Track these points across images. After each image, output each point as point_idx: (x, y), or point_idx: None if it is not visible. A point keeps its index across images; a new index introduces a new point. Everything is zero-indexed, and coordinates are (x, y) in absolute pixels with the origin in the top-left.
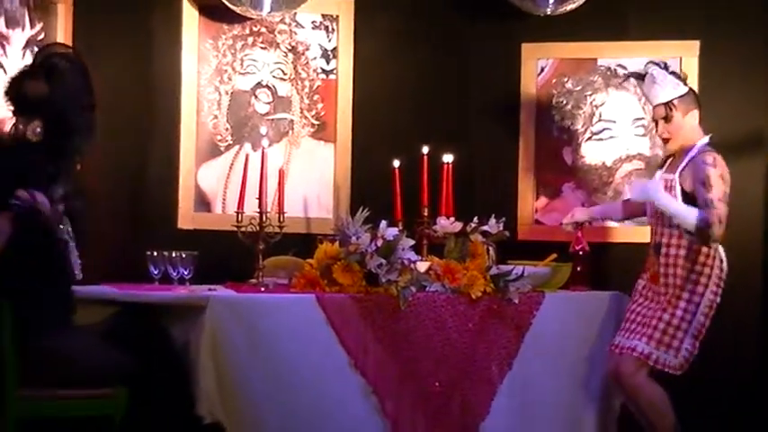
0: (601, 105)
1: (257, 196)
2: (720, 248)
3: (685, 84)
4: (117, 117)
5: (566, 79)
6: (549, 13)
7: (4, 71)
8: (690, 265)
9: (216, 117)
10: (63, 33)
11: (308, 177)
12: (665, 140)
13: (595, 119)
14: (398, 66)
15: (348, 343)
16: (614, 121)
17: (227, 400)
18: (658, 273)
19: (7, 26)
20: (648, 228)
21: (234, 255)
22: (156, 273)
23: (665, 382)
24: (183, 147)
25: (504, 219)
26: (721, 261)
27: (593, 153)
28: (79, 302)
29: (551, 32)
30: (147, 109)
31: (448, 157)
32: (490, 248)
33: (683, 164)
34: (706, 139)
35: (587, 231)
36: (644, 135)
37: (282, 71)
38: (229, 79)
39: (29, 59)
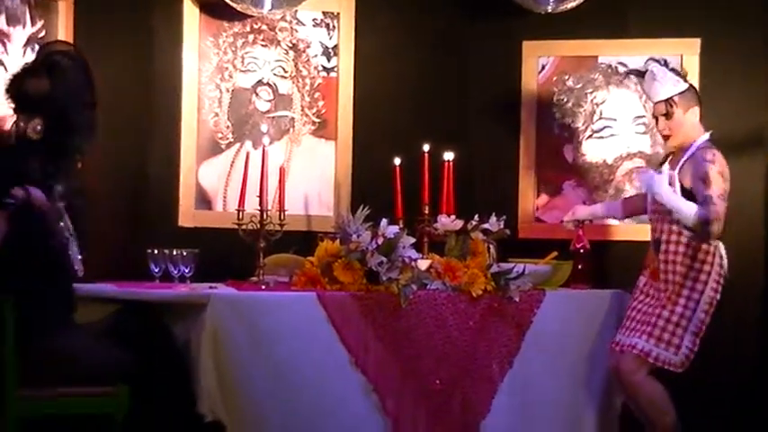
0: (601, 103)
1: (258, 194)
2: (720, 245)
3: (685, 80)
4: (118, 115)
5: (566, 77)
6: (549, 10)
7: (5, 69)
8: (689, 262)
9: (217, 115)
10: (64, 31)
11: (309, 175)
12: (666, 137)
13: (596, 117)
14: (399, 63)
15: (349, 341)
16: (615, 119)
17: (227, 399)
18: (658, 269)
19: (8, 24)
20: (649, 225)
21: (235, 253)
22: (156, 271)
23: (666, 380)
24: (184, 144)
25: (504, 217)
26: (721, 258)
27: (593, 151)
28: (80, 300)
29: (552, 30)
30: (148, 107)
31: (449, 155)
32: (491, 246)
33: (683, 160)
34: (706, 135)
35: (588, 229)
36: (645, 133)
37: (283, 69)
38: (230, 77)
39: (30, 57)
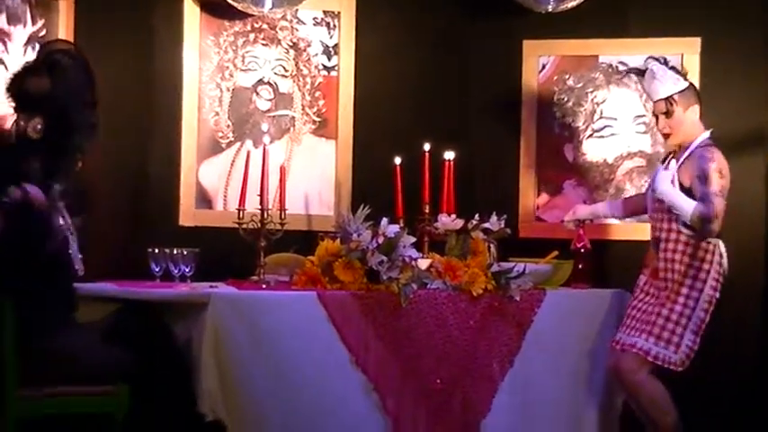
0: (602, 102)
1: (258, 193)
2: (720, 244)
3: (685, 79)
4: (118, 114)
5: (567, 76)
6: (550, 10)
7: (6, 68)
8: (689, 261)
9: (217, 114)
10: (64, 30)
11: (310, 174)
12: (666, 136)
13: (596, 116)
14: (400, 62)
15: (349, 340)
16: (615, 119)
17: (228, 398)
18: (658, 268)
19: (9, 23)
20: (649, 224)
21: (235, 252)
22: (157, 270)
23: (667, 379)
24: (185, 144)
25: (505, 216)
26: (721, 256)
27: (594, 150)
28: (81, 300)
29: (553, 29)
30: (149, 106)
31: (449, 155)
32: (491, 246)
33: (683, 158)
34: (707, 133)
35: (588, 229)
36: (645, 132)
37: (284, 68)
38: (231, 76)
39: (30, 56)
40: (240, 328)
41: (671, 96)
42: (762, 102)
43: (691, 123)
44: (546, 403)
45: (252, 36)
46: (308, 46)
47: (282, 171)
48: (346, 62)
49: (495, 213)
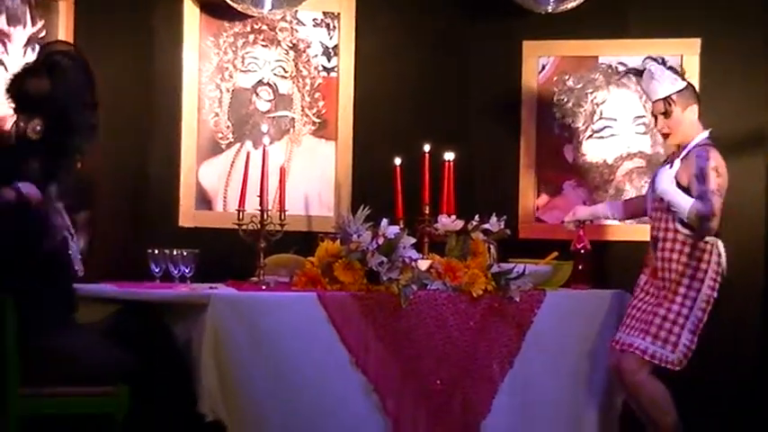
0: (602, 103)
1: (258, 194)
2: (719, 243)
3: (683, 79)
4: (118, 115)
5: (567, 77)
6: (550, 10)
7: (6, 69)
8: (686, 260)
9: (217, 115)
10: (64, 31)
11: (310, 175)
12: (665, 136)
13: (596, 117)
14: (400, 63)
15: (349, 341)
16: (615, 119)
17: (228, 398)
18: (656, 267)
19: (8, 24)
20: (649, 225)
21: (235, 253)
22: (157, 271)
23: (667, 379)
24: (184, 145)
25: (505, 217)
26: (719, 256)
27: (594, 151)
28: (81, 301)
29: (552, 30)
30: (148, 107)
31: (449, 155)
32: (491, 246)
33: (680, 158)
34: (705, 133)
35: (588, 229)
36: (645, 133)
37: (284, 69)
38: (230, 77)
39: (30, 57)
40: (240, 328)
41: (669, 96)
42: (762, 102)
43: (689, 123)
44: (546, 404)
45: (252, 37)
46: (308, 47)
47: (282, 172)
48: (346, 63)
49: (494, 214)
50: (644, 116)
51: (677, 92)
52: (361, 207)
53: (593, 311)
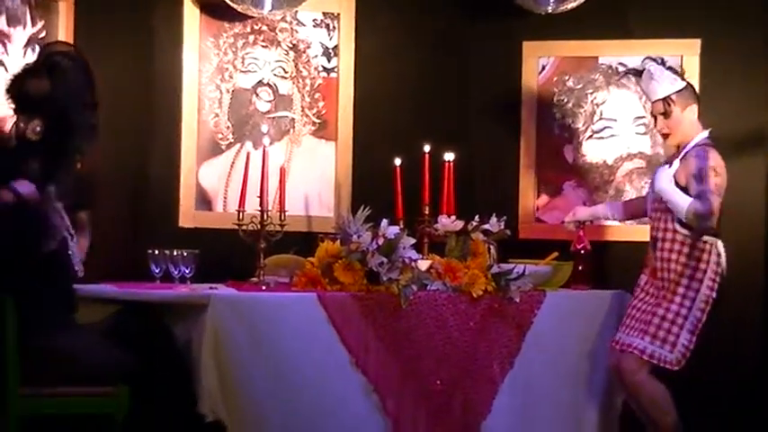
0: (602, 104)
1: (258, 194)
2: (719, 243)
3: (683, 79)
4: (118, 115)
5: (567, 77)
6: (550, 11)
7: (6, 69)
8: (685, 260)
9: (217, 115)
10: (64, 31)
11: (310, 176)
12: (665, 136)
13: (596, 117)
14: (399, 64)
15: (349, 341)
16: (615, 120)
17: (228, 399)
18: (656, 267)
19: (8, 24)
20: (649, 225)
21: (235, 253)
22: (157, 271)
23: (667, 379)
24: (184, 145)
25: (505, 217)
26: (718, 256)
27: (594, 151)
28: (81, 301)
29: (552, 31)
30: (148, 107)
31: (449, 156)
32: (491, 247)
33: (679, 158)
34: (705, 133)
35: (588, 230)
36: (645, 133)
37: (283, 69)
38: (230, 77)
39: (30, 58)
40: (240, 329)
41: (668, 96)
42: (762, 102)
43: (689, 123)
44: (546, 404)
45: (251, 38)
46: (308, 47)
47: (282, 172)
48: (346, 64)
49: (494, 215)
50: (644, 117)
51: (676, 92)
52: (362, 207)
53: (593, 312)
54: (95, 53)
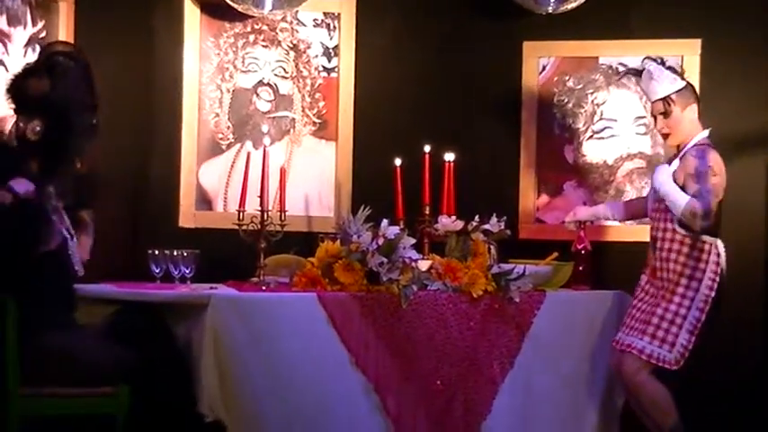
0: (602, 104)
1: (259, 194)
2: (719, 243)
3: (683, 78)
4: (118, 115)
5: (567, 78)
6: (550, 11)
7: (6, 69)
8: (684, 260)
9: (217, 115)
10: (65, 31)
11: (310, 176)
12: (665, 136)
13: (597, 117)
14: (400, 64)
15: (349, 341)
16: (615, 120)
17: (228, 399)
18: (656, 267)
19: (9, 24)
20: (649, 226)
21: (235, 253)
22: (157, 271)
23: (667, 379)
24: (185, 145)
25: (505, 217)
26: (718, 256)
27: (594, 151)
28: (81, 301)
29: (553, 31)
30: (149, 107)
31: (449, 156)
32: (491, 247)
33: (679, 157)
34: (705, 132)
35: (588, 230)
36: (645, 134)
37: (284, 69)
38: (231, 77)
39: (30, 57)
40: (240, 329)
41: (668, 96)
42: (762, 102)
43: (689, 123)
44: (546, 404)
45: (252, 37)
46: (309, 47)
47: (282, 172)
48: (346, 63)
49: (495, 215)
50: (644, 117)
51: (676, 91)
52: (362, 207)
53: (594, 312)
54: (96, 53)
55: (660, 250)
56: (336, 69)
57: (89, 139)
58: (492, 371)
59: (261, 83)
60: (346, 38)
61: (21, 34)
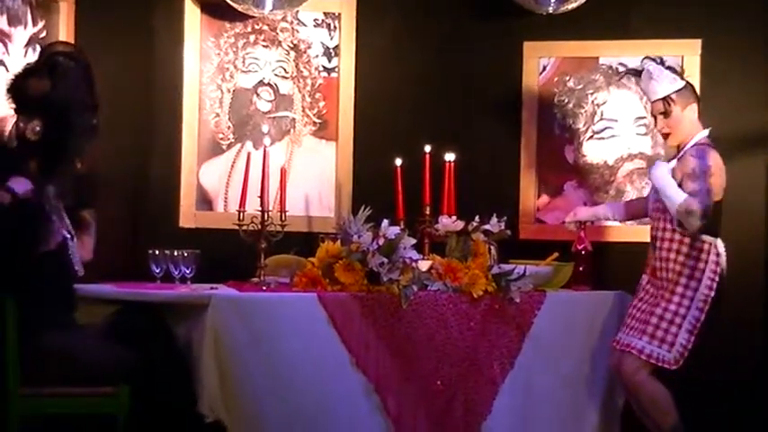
0: (602, 104)
1: (259, 195)
2: (719, 243)
3: (682, 78)
4: (118, 115)
5: (567, 78)
6: (550, 11)
7: (7, 69)
8: (683, 260)
9: (218, 115)
10: (65, 31)
11: (310, 176)
12: (665, 136)
13: (597, 117)
14: (400, 64)
15: (350, 342)
16: (616, 120)
17: (228, 399)
18: (655, 267)
19: (9, 24)
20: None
21: (236, 253)
22: (157, 271)
23: (667, 379)
24: (185, 145)
25: (505, 217)
26: (717, 255)
27: (594, 152)
28: (81, 301)
29: (553, 31)
30: (149, 107)
31: (450, 156)
32: (492, 247)
33: (679, 157)
34: (705, 132)
35: (589, 230)
36: (646, 134)
37: (284, 69)
38: (231, 77)
39: (31, 57)
40: (241, 329)
41: (668, 96)
42: (762, 102)
43: (689, 122)
44: (546, 405)
45: (252, 37)
46: (309, 47)
47: (283, 172)
48: (347, 64)
49: (495, 215)
50: (645, 117)
51: (676, 91)
52: (362, 208)
53: (594, 312)
54: (96, 53)
55: (660, 250)
56: (337, 69)
57: (89, 140)
58: (492, 371)
59: (261, 83)
60: (346, 38)
61: (21, 34)
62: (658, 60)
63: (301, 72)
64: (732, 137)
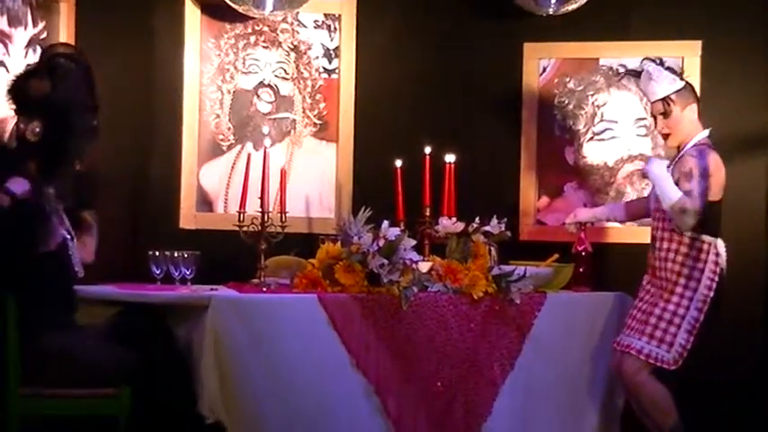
0: (603, 105)
1: (259, 196)
2: (719, 243)
3: (682, 78)
4: (118, 116)
5: (567, 79)
6: (551, 12)
7: (7, 70)
8: (682, 259)
9: (218, 116)
10: (65, 32)
11: (310, 177)
12: (665, 136)
13: (597, 119)
14: (400, 65)
15: (350, 343)
16: (616, 122)
17: (228, 400)
18: (655, 267)
19: (10, 25)
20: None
21: (236, 254)
22: (158, 272)
23: (667, 379)
24: (185, 146)
25: (505, 219)
26: (717, 256)
27: (594, 153)
28: (82, 302)
29: (553, 32)
30: (149, 108)
31: (450, 157)
32: (492, 249)
33: (678, 157)
34: (705, 132)
35: (589, 231)
36: (646, 135)
37: (285, 70)
38: (231, 78)
39: (31, 58)
40: (241, 330)
41: (668, 96)
42: (762, 102)
43: (689, 123)
44: (547, 406)
45: (253, 39)
46: (309, 49)
47: (283, 174)
48: (347, 65)
49: (495, 216)
50: (645, 118)
51: (676, 91)
52: (362, 209)
53: (594, 314)
54: (96, 54)
55: (659, 250)
56: (337, 71)
57: (89, 141)
58: (492, 372)
59: (261, 84)
60: (347, 39)
61: (21, 35)
62: (658, 61)
63: (302, 73)
64: (732, 138)
